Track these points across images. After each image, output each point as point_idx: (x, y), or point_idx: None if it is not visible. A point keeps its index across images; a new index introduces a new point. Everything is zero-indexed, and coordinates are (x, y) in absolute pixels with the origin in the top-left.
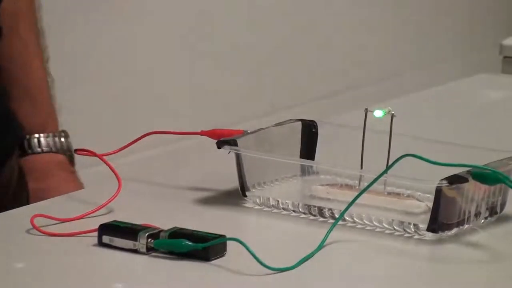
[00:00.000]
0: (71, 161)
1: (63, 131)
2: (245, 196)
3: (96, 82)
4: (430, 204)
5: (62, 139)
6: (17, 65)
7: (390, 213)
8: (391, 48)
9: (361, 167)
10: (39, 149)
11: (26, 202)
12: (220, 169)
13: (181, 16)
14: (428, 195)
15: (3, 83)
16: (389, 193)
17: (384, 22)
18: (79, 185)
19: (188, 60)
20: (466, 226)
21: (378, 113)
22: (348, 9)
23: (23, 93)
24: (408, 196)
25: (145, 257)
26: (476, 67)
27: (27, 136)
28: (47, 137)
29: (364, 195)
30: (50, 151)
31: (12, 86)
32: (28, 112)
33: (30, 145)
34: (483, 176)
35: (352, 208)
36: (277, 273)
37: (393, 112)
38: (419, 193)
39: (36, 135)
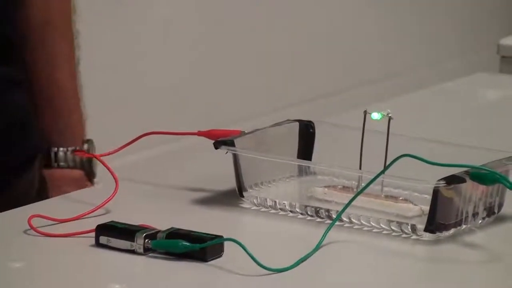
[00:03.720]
0: (89, 175)
1: (87, 140)
2: (242, 196)
3: (93, 82)
4: (424, 207)
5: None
6: (41, 76)
7: (384, 215)
8: (389, 48)
9: (360, 169)
10: (55, 164)
11: None
12: (217, 170)
13: (180, 16)
14: (425, 196)
15: (28, 93)
16: (386, 196)
17: (382, 23)
18: None
19: (186, 60)
20: (463, 226)
21: (376, 116)
22: (347, 9)
23: (45, 104)
24: (404, 199)
25: (142, 257)
26: (474, 66)
27: (48, 149)
28: (65, 151)
29: (360, 197)
30: (67, 167)
31: (36, 97)
32: (49, 123)
33: (49, 159)
34: (481, 176)
35: (348, 209)
36: (274, 273)
37: (390, 115)
38: (416, 194)
39: (55, 149)
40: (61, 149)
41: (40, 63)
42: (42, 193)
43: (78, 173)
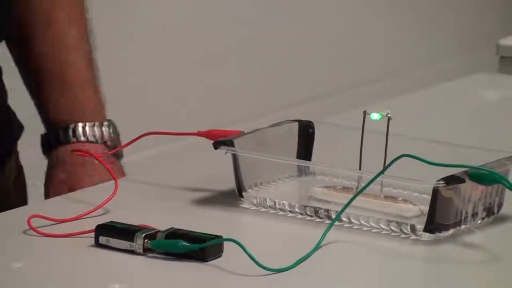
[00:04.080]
0: (115, 149)
1: (108, 120)
2: (242, 196)
3: None
4: (423, 207)
5: (103, 128)
6: (51, 59)
7: (383, 216)
8: (388, 48)
9: (360, 169)
10: (73, 139)
11: (24, 203)
12: (217, 170)
13: (178, 16)
14: (425, 196)
15: (36, 77)
16: (385, 196)
17: (381, 22)
18: (106, 175)
19: (185, 60)
20: (463, 226)
21: (375, 116)
22: (346, 9)
23: (57, 87)
24: (403, 199)
25: (142, 257)
26: (473, 66)
27: (62, 127)
28: (83, 127)
29: (359, 197)
30: (86, 141)
31: (46, 80)
32: (62, 104)
33: (66, 136)
34: (480, 176)
35: (348, 209)
36: (273, 273)
37: (389, 115)
38: (416, 194)
39: (72, 125)
40: (80, 124)
41: (49, 45)
42: (18, 183)
43: (103, 148)
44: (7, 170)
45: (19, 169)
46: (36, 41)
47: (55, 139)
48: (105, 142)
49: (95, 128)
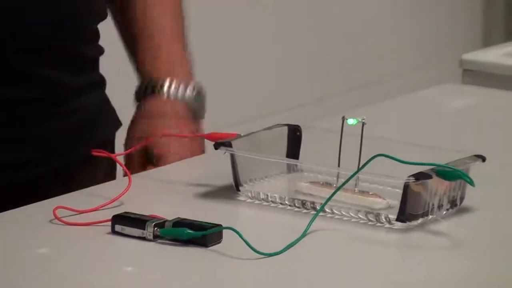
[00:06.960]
0: (196, 112)
1: (197, 83)
2: (239, 190)
3: None
4: (391, 201)
5: (189, 88)
6: (143, 23)
7: (359, 208)
8: (376, 57)
9: (338, 167)
10: (163, 93)
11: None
12: (217, 168)
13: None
14: (397, 190)
15: (131, 39)
16: (360, 191)
17: (359, 33)
18: (191, 131)
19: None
20: (430, 216)
21: (351, 121)
22: (324, 20)
23: (152, 42)
24: (374, 193)
25: (152, 243)
26: (439, 78)
27: (154, 79)
28: (171, 83)
29: (339, 192)
30: (176, 98)
31: (139, 41)
32: (156, 57)
33: (155, 88)
34: (445, 173)
35: (330, 202)
36: (266, 257)
37: (364, 121)
38: (389, 188)
39: (166, 80)
40: (168, 80)
41: (141, 12)
42: (109, 176)
43: (181, 105)
44: (99, 160)
45: (112, 162)
46: (130, 9)
47: (146, 90)
48: (187, 103)
49: (181, 87)
